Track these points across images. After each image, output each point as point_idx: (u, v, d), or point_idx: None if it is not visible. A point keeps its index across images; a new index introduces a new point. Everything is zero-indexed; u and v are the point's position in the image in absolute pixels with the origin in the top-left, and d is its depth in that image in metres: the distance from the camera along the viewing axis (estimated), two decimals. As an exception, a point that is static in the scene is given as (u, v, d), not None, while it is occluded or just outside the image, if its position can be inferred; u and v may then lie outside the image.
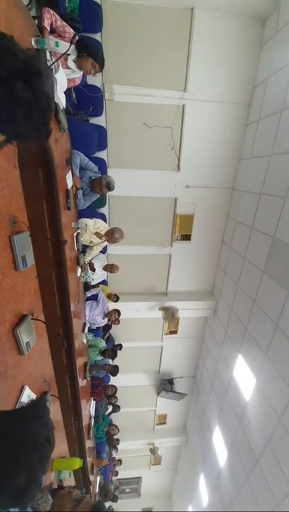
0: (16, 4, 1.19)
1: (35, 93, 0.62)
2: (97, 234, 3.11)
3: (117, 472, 6.42)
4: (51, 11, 1.89)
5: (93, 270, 3.18)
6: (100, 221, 3.29)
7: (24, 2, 2.22)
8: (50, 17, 1.88)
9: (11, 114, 0.60)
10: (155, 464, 8.55)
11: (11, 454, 0.57)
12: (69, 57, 2.09)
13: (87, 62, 2.13)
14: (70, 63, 2.13)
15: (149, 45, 3.63)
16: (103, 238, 3.19)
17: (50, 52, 1.67)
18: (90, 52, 2.11)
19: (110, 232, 3.19)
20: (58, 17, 1.93)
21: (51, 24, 1.92)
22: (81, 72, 2.25)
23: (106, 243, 3.42)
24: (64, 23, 1.98)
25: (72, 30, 2.03)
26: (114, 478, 6.34)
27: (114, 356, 4.14)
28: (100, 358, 3.95)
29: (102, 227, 3.30)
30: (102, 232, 3.24)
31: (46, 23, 1.86)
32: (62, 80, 1.88)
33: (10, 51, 0.59)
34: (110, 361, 4.41)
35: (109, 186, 2.84)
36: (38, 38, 1.51)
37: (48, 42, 1.62)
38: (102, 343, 4.04)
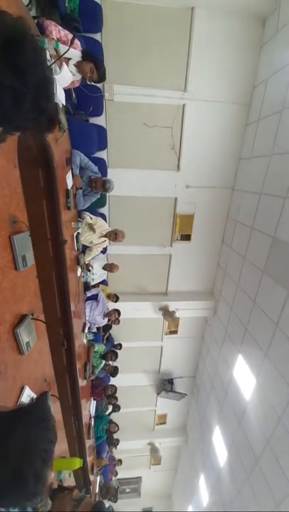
0: (15, 4, 1.19)
1: (20, 74, 0.50)
2: (90, 226, 3.07)
3: (116, 472, 6.42)
4: (53, 23, 1.93)
5: (88, 270, 3.20)
6: (100, 219, 3.29)
7: (24, 2, 2.22)
8: (55, 28, 1.92)
9: None
10: (155, 464, 8.55)
11: (16, 465, 0.57)
12: (70, 61, 2.13)
13: (87, 65, 2.20)
14: (71, 67, 2.17)
15: (149, 44, 3.62)
16: (103, 238, 3.21)
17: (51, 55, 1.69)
18: (92, 59, 2.20)
19: (112, 230, 3.27)
20: (60, 27, 1.97)
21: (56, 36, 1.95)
22: (80, 76, 2.32)
23: (106, 243, 3.43)
24: (66, 31, 2.01)
25: (71, 34, 2.05)
26: (114, 478, 6.33)
27: (115, 357, 4.16)
28: (101, 363, 3.93)
29: (104, 227, 3.30)
30: (103, 233, 3.26)
31: (54, 36, 1.88)
32: (67, 76, 1.92)
33: None
34: (111, 362, 4.42)
35: (105, 185, 2.84)
36: (38, 37, 1.51)
37: (48, 42, 1.63)
38: (102, 347, 4.03)
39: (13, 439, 0.59)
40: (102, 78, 2.32)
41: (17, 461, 0.57)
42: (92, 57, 2.21)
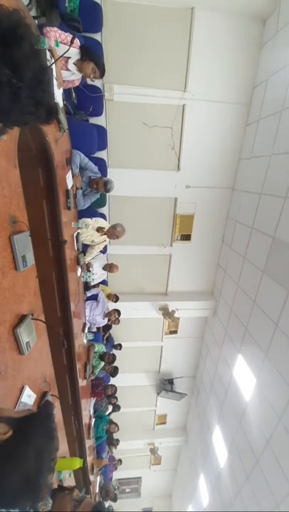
0: (16, 4, 1.19)
1: (17, 68, 0.50)
2: (99, 228, 3.11)
3: (116, 467, 6.41)
4: (53, 29, 1.93)
5: (88, 270, 3.19)
6: (100, 220, 3.29)
7: (24, 2, 2.22)
8: (54, 35, 1.92)
9: None
10: (155, 464, 8.55)
11: (29, 474, 0.59)
12: (70, 59, 2.13)
13: (88, 65, 2.20)
14: (71, 66, 2.18)
15: (149, 44, 3.62)
16: (104, 236, 3.19)
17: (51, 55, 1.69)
18: (92, 57, 2.19)
19: (111, 227, 3.19)
20: (60, 31, 1.97)
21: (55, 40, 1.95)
22: (80, 75, 2.31)
23: (107, 242, 3.42)
24: (66, 33, 2.01)
25: (71, 35, 2.06)
26: (114, 478, 6.32)
27: (113, 359, 4.16)
28: (101, 363, 3.91)
29: (103, 225, 3.30)
30: (101, 229, 3.24)
31: (53, 43, 1.87)
32: (58, 96, 1.93)
33: None
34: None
35: (107, 185, 2.83)
36: (38, 37, 1.51)
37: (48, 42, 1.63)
38: (102, 348, 4.03)
39: (29, 449, 0.60)
40: (103, 73, 2.32)
41: (30, 470, 0.59)
42: (91, 54, 2.19)
